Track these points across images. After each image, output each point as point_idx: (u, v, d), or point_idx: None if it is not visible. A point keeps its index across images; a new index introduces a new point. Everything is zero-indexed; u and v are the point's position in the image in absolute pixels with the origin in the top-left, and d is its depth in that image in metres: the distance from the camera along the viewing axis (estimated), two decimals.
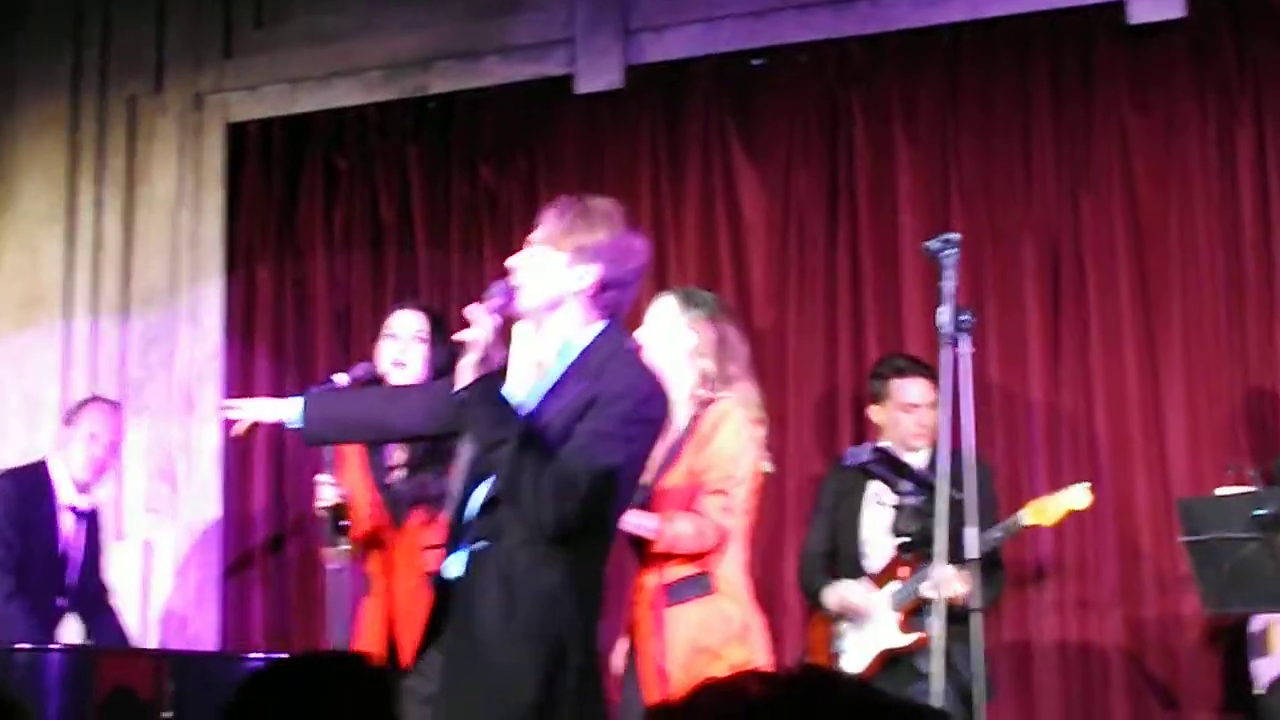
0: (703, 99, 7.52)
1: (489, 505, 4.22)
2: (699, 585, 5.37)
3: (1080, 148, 6.97)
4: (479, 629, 4.14)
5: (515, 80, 7.78)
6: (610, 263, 4.26)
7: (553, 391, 4.21)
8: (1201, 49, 6.87)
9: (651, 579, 5.43)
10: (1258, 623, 5.99)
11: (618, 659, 5.59)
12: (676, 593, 5.38)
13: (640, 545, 5.51)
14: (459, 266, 7.77)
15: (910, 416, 6.32)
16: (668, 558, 5.39)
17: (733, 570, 5.44)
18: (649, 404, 4.24)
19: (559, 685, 4.05)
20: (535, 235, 4.31)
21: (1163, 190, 6.87)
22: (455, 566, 4.30)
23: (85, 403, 7.22)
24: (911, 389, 6.34)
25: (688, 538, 5.34)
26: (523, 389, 4.26)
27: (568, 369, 4.23)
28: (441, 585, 4.38)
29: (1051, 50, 7.06)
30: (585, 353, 4.24)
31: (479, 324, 4.14)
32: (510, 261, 4.30)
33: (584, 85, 7.61)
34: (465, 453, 4.42)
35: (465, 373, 4.14)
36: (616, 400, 4.13)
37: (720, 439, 5.41)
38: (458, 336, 4.19)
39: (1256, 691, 5.95)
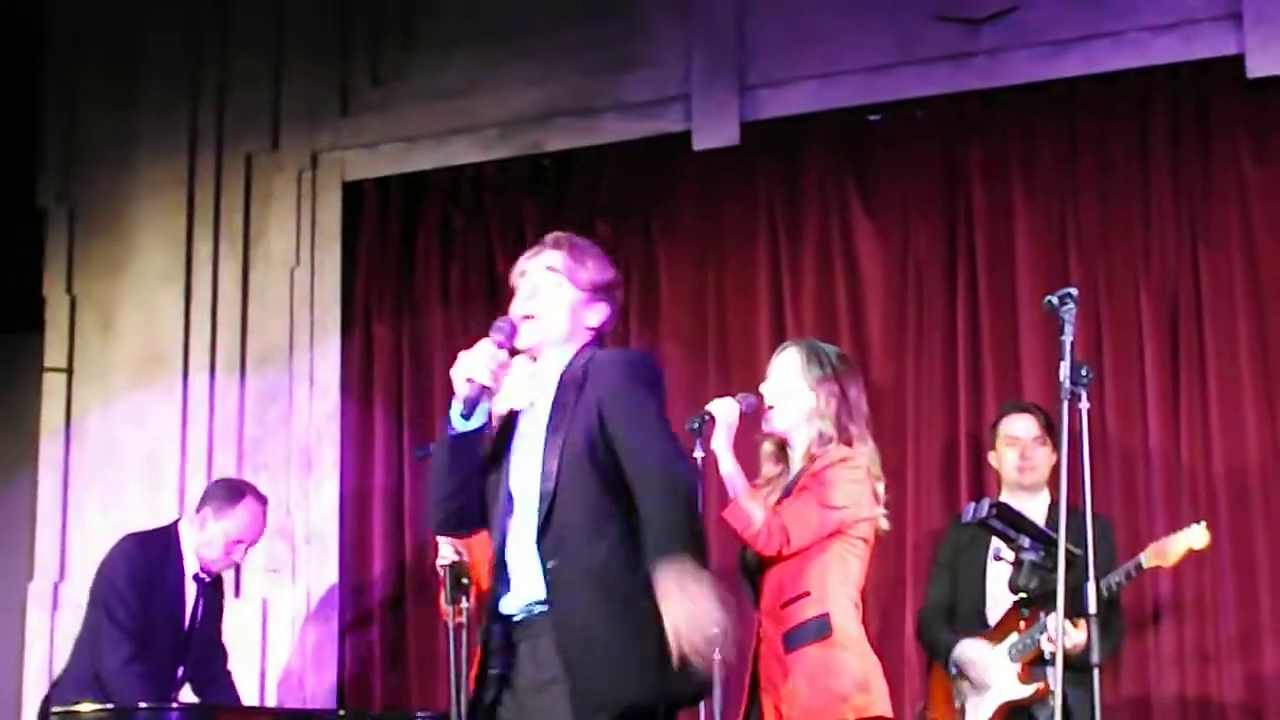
0: (820, 154, 7.53)
1: (544, 529, 4.29)
2: (818, 630, 5.37)
3: (1198, 202, 6.94)
4: (585, 640, 4.19)
5: (631, 137, 7.81)
6: (613, 303, 4.49)
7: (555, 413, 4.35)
8: None
9: (770, 628, 5.45)
10: None
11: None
12: (794, 639, 5.39)
13: (756, 593, 5.54)
14: None
15: (1013, 450, 6.42)
16: (786, 604, 5.40)
17: (850, 620, 5.44)
18: (649, 369, 4.43)
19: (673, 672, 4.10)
20: (545, 268, 4.44)
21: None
22: (519, 599, 4.35)
23: (240, 493, 7.00)
24: (1016, 424, 6.46)
25: (751, 524, 5.36)
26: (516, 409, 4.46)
27: (557, 391, 4.37)
28: (502, 622, 4.39)
29: (1169, 104, 7.04)
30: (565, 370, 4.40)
31: (480, 359, 4.29)
32: (525, 293, 4.43)
33: (701, 142, 7.62)
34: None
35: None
36: (628, 392, 4.28)
37: (843, 478, 5.42)
38: (455, 372, 4.33)
39: None
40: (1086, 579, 4.92)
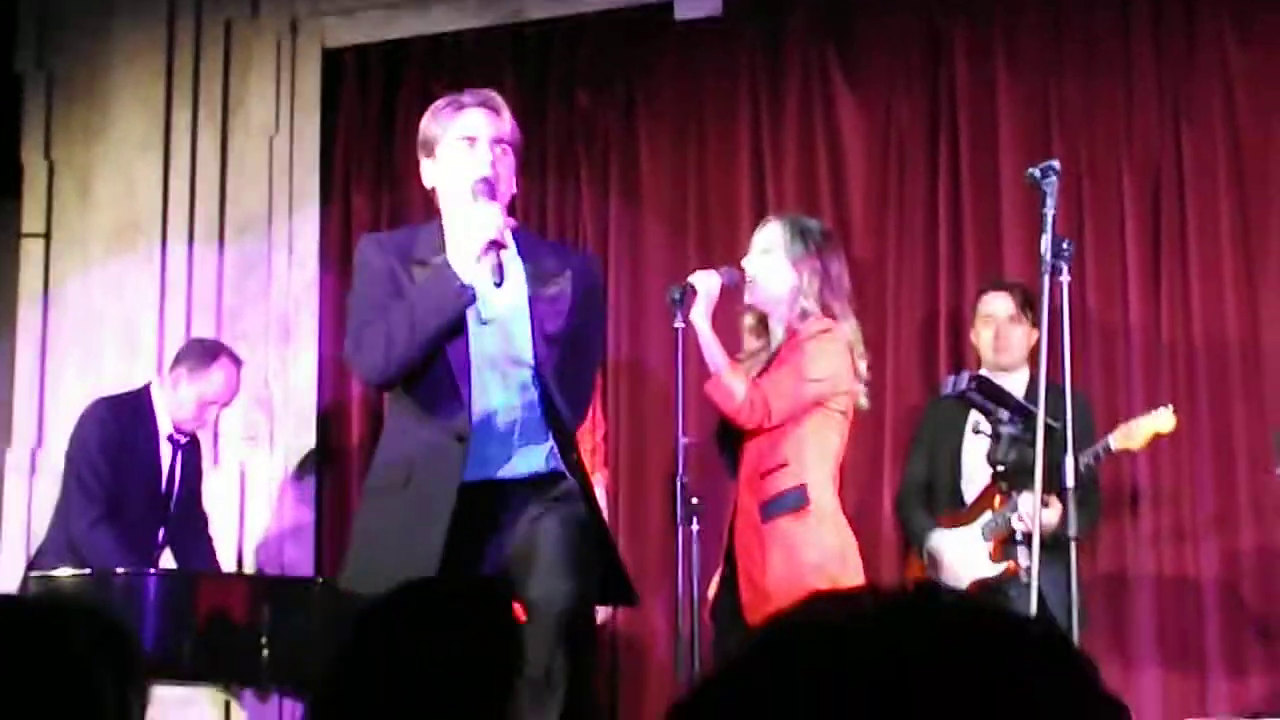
0: (803, 27, 7.46)
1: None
2: (795, 501, 5.41)
3: (1182, 79, 6.93)
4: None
5: (613, 6, 7.73)
6: None
7: None
8: None
9: (747, 498, 5.47)
10: None
11: (712, 588, 5.62)
12: (771, 509, 5.43)
13: (735, 463, 5.57)
14: (554, 194, 7.74)
15: (989, 329, 6.40)
16: (764, 475, 5.44)
17: (827, 493, 5.48)
18: None
19: None
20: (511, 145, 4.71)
21: (1264, 123, 6.83)
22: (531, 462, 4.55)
23: (214, 355, 6.98)
24: (992, 302, 6.45)
25: (733, 398, 5.40)
26: None
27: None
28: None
29: None
30: None
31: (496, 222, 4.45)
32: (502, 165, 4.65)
33: (683, 12, 7.55)
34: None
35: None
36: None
37: (823, 351, 5.45)
38: (479, 232, 4.45)
39: None
40: (1065, 454, 4.94)
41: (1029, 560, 5.10)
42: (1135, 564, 6.79)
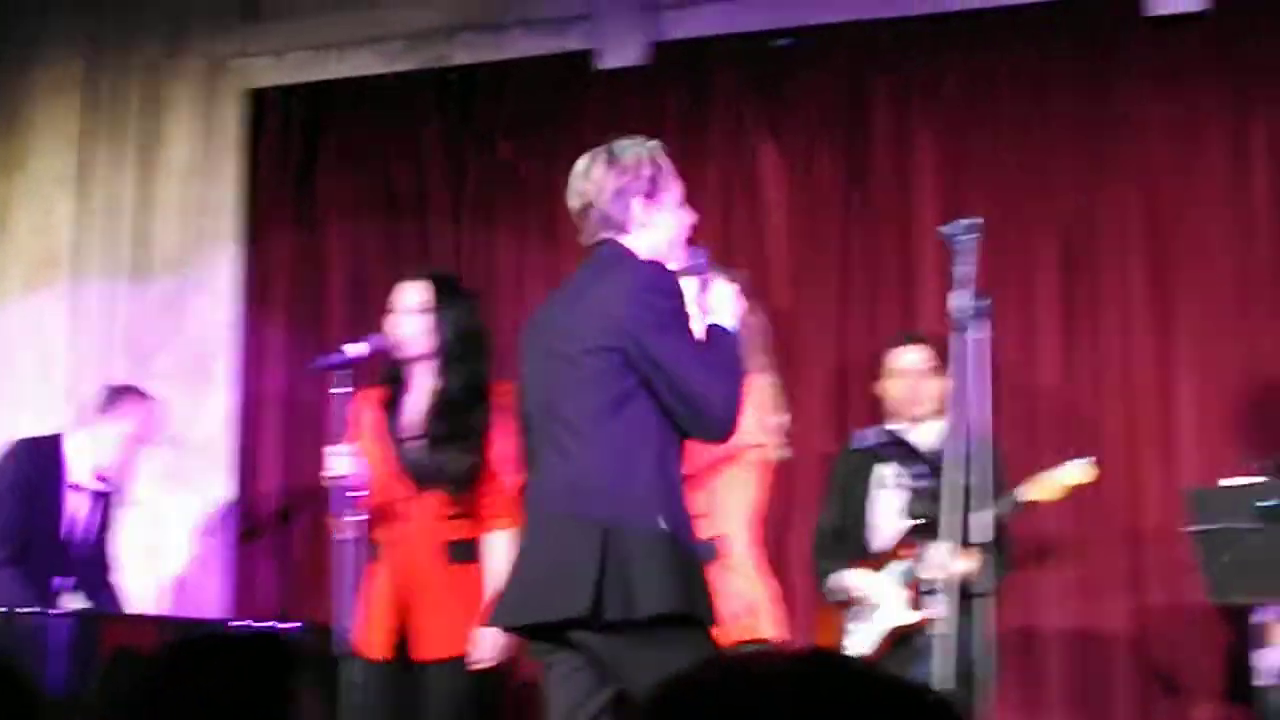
0: (727, 78, 7.50)
1: None
2: (709, 552, 5.41)
3: (1099, 137, 6.99)
4: None
5: (537, 54, 7.75)
6: None
7: None
8: (1221, 42, 6.89)
9: None
10: (1260, 614, 6.00)
11: None
12: None
13: None
14: (476, 238, 7.75)
15: (901, 383, 6.43)
16: None
17: (743, 544, 5.49)
18: None
19: None
20: None
21: (1179, 181, 6.90)
22: None
23: (129, 395, 6.96)
24: (905, 356, 6.46)
25: None
26: None
27: None
28: None
29: (1073, 39, 7.08)
30: None
31: None
32: None
33: (606, 61, 7.59)
34: None
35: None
36: None
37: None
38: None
39: (1258, 683, 5.95)
40: (976, 508, 4.96)
41: (942, 610, 5.12)
42: (1047, 618, 6.83)
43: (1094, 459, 6.14)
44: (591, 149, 7.25)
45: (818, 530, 6.60)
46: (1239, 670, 6.22)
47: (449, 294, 6.10)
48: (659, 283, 4.53)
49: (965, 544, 5.18)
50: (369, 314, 7.57)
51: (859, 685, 1.43)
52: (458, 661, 5.88)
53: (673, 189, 4.81)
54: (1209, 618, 6.56)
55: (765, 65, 7.46)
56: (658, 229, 4.75)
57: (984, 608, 4.97)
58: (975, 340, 4.89)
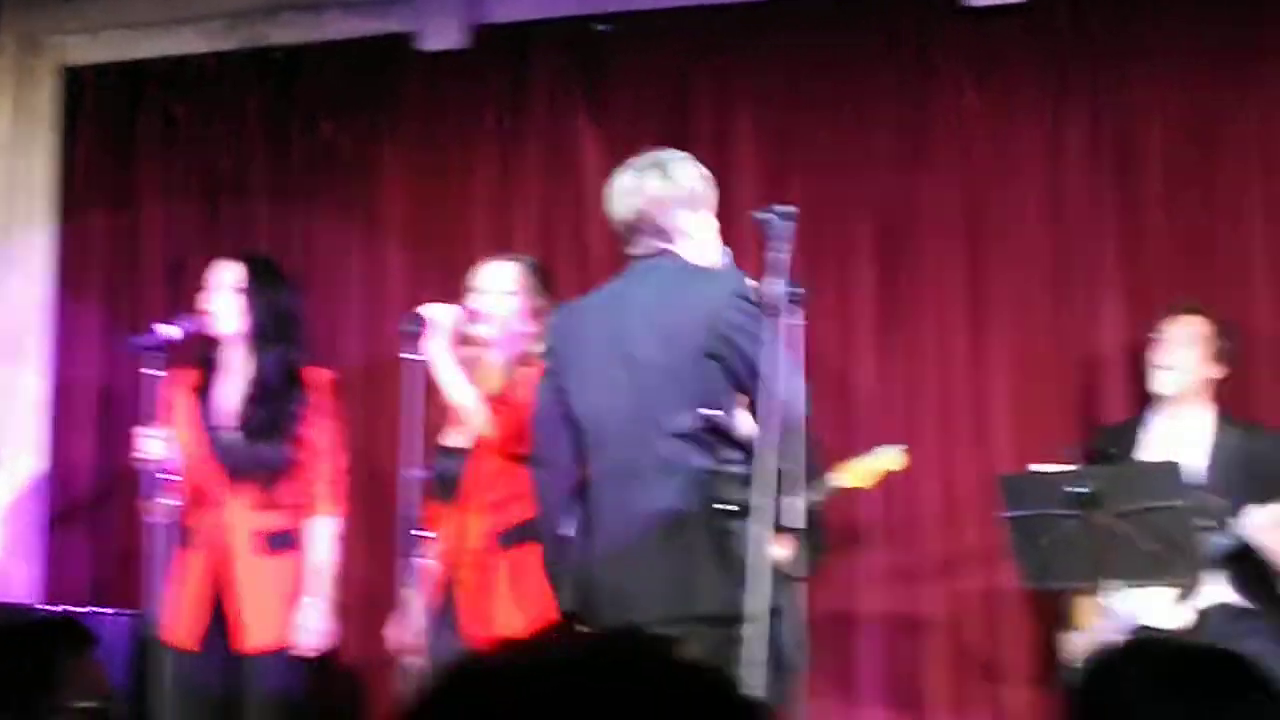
0: (548, 62, 7.47)
1: None
2: (534, 531, 5.43)
3: (917, 126, 7.05)
4: None
5: (358, 35, 7.68)
6: None
7: None
8: (1038, 32, 6.97)
9: (475, 527, 5.47)
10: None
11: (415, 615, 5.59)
12: (509, 538, 5.44)
13: (452, 491, 5.57)
14: (297, 220, 7.67)
15: None
16: (499, 504, 5.44)
17: None
18: None
19: None
20: None
21: (995, 170, 6.98)
22: None
23: None
24: None
25: (493, 426, 5.44)
26: None
27: None
28: None
29: (892, 29, 7.13)
30: None
31: None
32: None
33: (427, 43, 7.53)
34: None
35: None
36: None
37: None
38: None
39: (1067, 666, 6.04)
40: (789, 494, 4.98)
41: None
42: (863, 603, 6.88)
43: (905, 446, 6.21)
44: (413, 135, 7.29)
45: None
46: (1052, 654, 6.31)
47: (263, 274, 6.07)
48: (747, 291, 4.79)
49: (777, 529, 5.20)
50: (187, 296, 7.49)
51: (649, 667, 1.43)
52: (281, 650, 5.85)
53: (711, 199, 5.02)
54: (1022, 603, 6.65)
55: (586, 50, 7.43)
56: (700, 238, 4.96)
57: (796, 594, 4.98)
58: (789, 327, 4.91)
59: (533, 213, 7.39)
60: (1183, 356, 6.09)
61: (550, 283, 5.91)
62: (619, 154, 7.24)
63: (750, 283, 4.81)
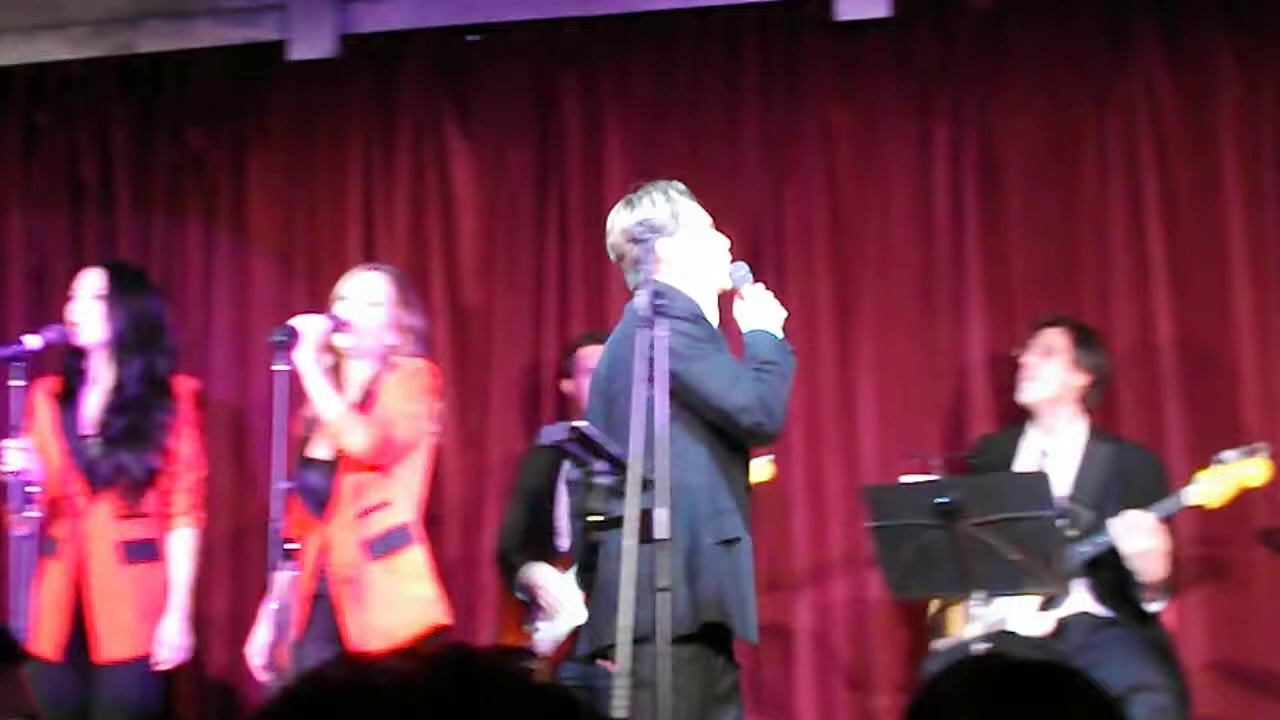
0: (417, 72, 7.45)
1: None
2: (401, 539, 5.44)
3: (785, 138, 7.10)
4: None
5: (226, 44, 7.63)
6: None
7: None
8: (904, 48, 7.05)
9: (344, 539, 5.46)
10: (934, 605, 6.15)
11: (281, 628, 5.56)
12: (377, 548, 5.43)
13: (322, 503, 5.55)
14: (163, 229, 7.59)
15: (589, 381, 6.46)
16: (365, 513, 5.44)
17: (421, 530, 5.52)
18: None
19: None
20: None
21: (862, 183, 7.04)
22: None
23: None
24: (595, 357, 6.45)
25: (360, 437, 5.43)
26: None
27: None
28: None
29: (761, 42, 7.17)
30: None
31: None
32: None
33: (296, 52, 7.49)
34: None
35: None
36: None
37: (419, 389, 5.51)
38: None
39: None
40: (659, 505, 4.99)
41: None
42: None
43: (772, 457, 6.25)
44: (281, 144, 7.27)
45: (502, 530, 6.63)
46: (920, 663, 6.36)
47: (125, 282, 6.03)
48: (684, 313, 4.90)
49: (646, 541, 5.21)
50: (51, 307, 7.41)
51: (492, 685, 1.43)
52: (140, 661, 5.81)
53: (694, 220, 5.10)
54: (890, 612, 6.70)
55: (455, 61, 7.42)
56: (688, 261, 5.03)
57: (662, 604, 4.98)
58: (659, 337, 4.92)
59: (401, 223, 7.36)
60: (1045, 367, 6.17)
61: (416, 294, 5.89)
62: (487, 164, 7.30)
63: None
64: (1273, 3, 6.83)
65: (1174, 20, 6.86)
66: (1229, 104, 6.77)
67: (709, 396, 4.84)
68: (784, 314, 5.12)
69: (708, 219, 5.15)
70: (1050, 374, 6.12)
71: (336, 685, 1.46)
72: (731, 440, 4.92)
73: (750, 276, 5.14)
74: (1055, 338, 6.17)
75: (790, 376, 4.98)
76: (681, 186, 5.15)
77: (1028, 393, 6.24)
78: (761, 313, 5.07)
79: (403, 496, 5.55)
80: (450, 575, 6.73)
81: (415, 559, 5.52)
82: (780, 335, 5.05)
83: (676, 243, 5.02)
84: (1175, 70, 6.67)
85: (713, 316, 5.02)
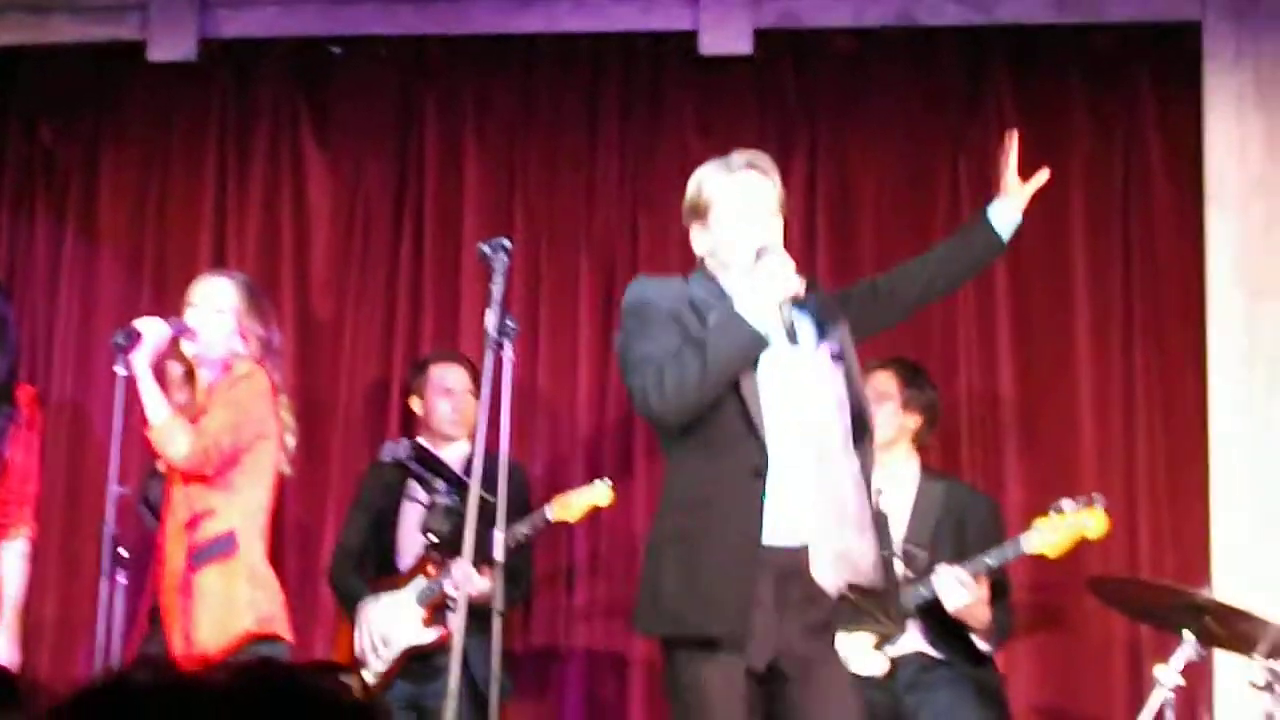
0: (277, 80, 7.37)
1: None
2: (224, 546, 5.38)
3: (644, 168, 7.12)
4: None
5: (85, 40, 7.52)
6: None
7: None
8: (764, 84, 7.10)
9: (174, 549, 5.41)
10: None
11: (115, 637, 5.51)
12: (200, 556, 5.38)
13: (157, 514, 5.51)
14: (7, 225, 7.48)
15: (447, 402, 6.48)
16: (191, 523, 5.38)
17: (257, 550, 5.46)
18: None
19: None
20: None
21: None
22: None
23: None
24: (449, 374, 6.51)
25: (179, 446, 5.36)
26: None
27: None
28: None
29: (624, 71, 7.20)
30: None
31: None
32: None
33: (156, 53, 7.39)
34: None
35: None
36: None
37: (253, 396, 5.44)
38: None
39: None
40: (498, 527, 4.99)
41: (458, 629, 5.14)
42: (569, 637, 6.90)
43: (610, 482, 6.27)
44: (135, 143, 7.19)
45: (340, 546, 6.60)
46: None
47: None
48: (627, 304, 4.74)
49: (485, 562, 5.22)
50: None
51: (288, 697, 1.42)
52: None
53: (719, 201, 4.77)
54: None
55: (315, 71, 7.36)
56: (717, 244, 4.74)
57: (495, 627, 4.97)
58: (505, 359, 4.93)
59: (253, 230, 7.29)
60: (880, 414, 6.17)
61: (263, 303, 5.82)
62: (344, 176, 7.26)
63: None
64: (1125, 53, 6.95)
65: (1030, 67, 6.96)
66: (1079, 153, 6.88)
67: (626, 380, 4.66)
68: (784, 290, 4.54)
69: (730, 198, 4.77)
70: (884, 420, 6.12)
71: (134, 686, 1.45)
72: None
73: (770, 250, 4.64)
74: (885, 381, 6.18)
75: (720, 353, 4.42)
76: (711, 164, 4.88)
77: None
78: (757, 289, 4.53)
79: (230, 504, 5.47)
80: (288, 590, 6.70)
81: (239, 567, 5.43)
82: (755, 318, 4.46)
83: (704, 229, 4.81)
84: (1028, 116, 6.73)
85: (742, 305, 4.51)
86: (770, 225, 4.72)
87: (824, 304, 4.77)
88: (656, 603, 4.49)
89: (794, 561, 4.45)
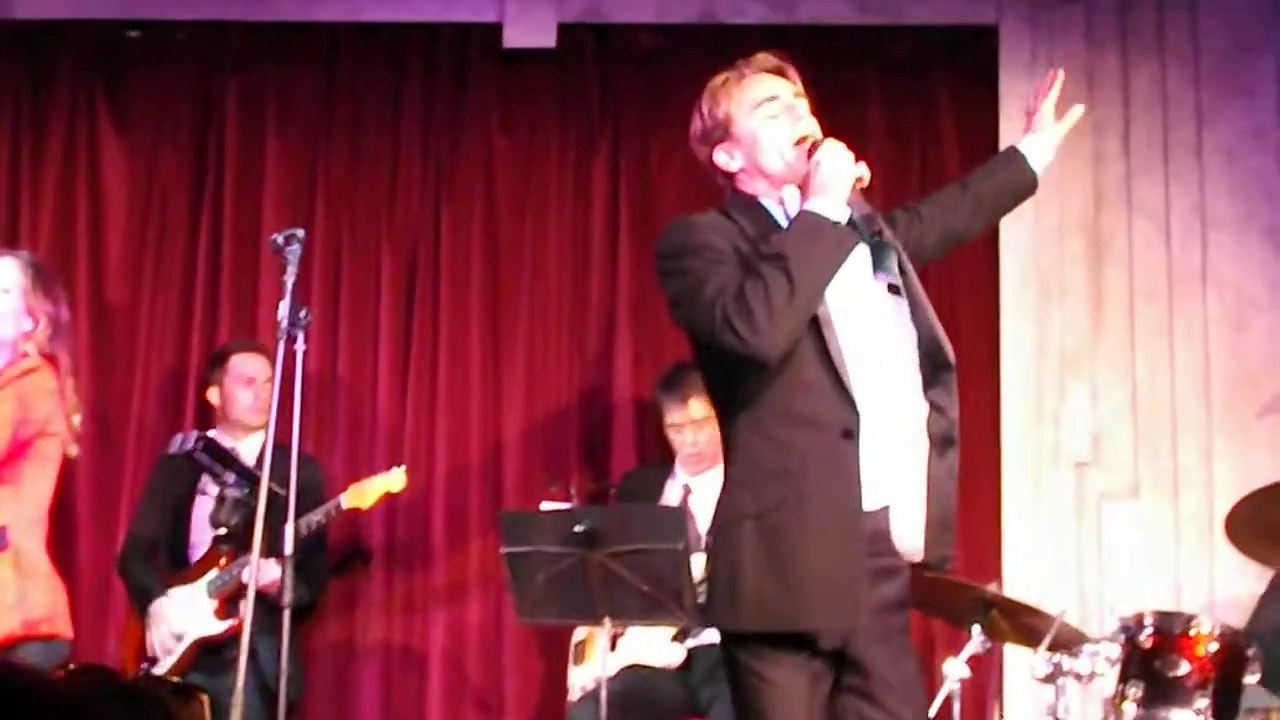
0: (73, 62, 7.23)
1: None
2: None
3: (446, 161, 7.12)
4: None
5: None
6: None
7: None
8: (567, 78, 7.12)
9: None
10: (580, 633, 6.18)
11: None
12: None
13: None
14: None
15: (249, 391, 6.46)
16: None
17: (34, 543, 5.31)
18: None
19: None
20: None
21: (520, 209, 7.08)
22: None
23: None
24: (249, 364, 6.48)
25: None
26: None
27: None
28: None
29: (426, 63, 7.18)
30: None
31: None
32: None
33: None
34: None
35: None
36: None
37: (38, 389, 5.31)
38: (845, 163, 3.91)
39: (570, 697, 6.11)
40: (289, 519, 4.95)
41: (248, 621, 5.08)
42: (365, 632, 6.87)
43: (404, 467, 6.25)
44: None
45: (130, 538, 6.51)
46: (557, 687, 6.38)
47: None
48: (659, 247, 4.06)
49: (276, 554, 5.17)
50: None
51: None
52: None
53: (740, 111, 4.13)
54: (528, 637, 6.72)
55: (112, 54, 7.23)
56: (752, 155, 4.11)
57: (291, 620, 4.93)
58: (297, 350, 4.88)
59: (47, 211, 7.14)
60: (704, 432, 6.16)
61: (52, 281, 5.64)
62: (141, 161, 7.14)
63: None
64: (923, 56, 7.09)
65: (829, 67, 6.89)
66: (876, 154, 6.84)
67: (684, 328, 3.98)
68: (848, 175, 3.91)
69: (751, 102, 4.16)
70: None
71: None
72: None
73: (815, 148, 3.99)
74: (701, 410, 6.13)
75: (805, 259, 3.77)
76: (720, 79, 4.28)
77: (692, 458, 6.29)
78: (819, 183, 3.91)
79: (13, 498, 5.34)
80: (81, 581, 6.61)
81: (18, 572, 5.28)
82: (828, 209, 3.85)
83: (730, 148, 4.15)
84: (825, 116, 6.72)
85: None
86: (807, 116, 4.11)
87: (874, 221, 4.05)
88: (736, 594, 3.77)
89: (878, 528, 3.83)
